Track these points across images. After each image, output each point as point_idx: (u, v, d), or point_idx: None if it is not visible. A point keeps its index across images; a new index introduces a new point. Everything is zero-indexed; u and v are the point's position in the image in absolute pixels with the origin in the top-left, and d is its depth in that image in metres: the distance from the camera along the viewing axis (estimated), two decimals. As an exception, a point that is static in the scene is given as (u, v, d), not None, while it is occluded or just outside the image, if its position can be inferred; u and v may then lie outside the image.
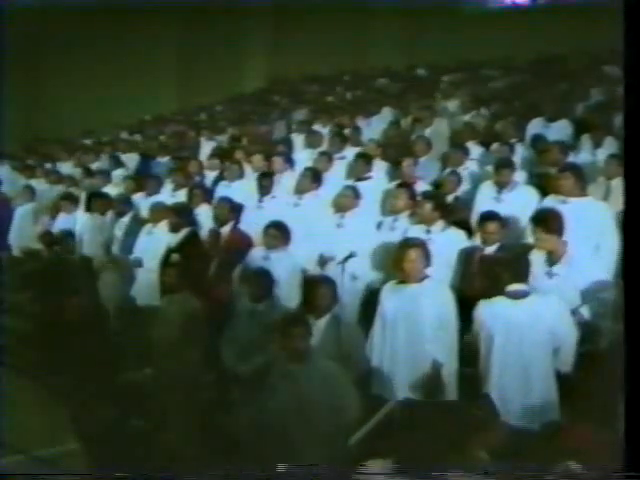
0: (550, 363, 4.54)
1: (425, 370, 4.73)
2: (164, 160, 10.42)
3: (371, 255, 6.15)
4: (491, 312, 4.59)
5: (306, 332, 4.35)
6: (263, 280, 5.41)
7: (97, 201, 8.28)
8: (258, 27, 19.76)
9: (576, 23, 13.55)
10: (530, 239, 5.43)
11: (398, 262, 4.91)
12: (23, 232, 9.41)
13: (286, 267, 5.88)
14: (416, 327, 4.78)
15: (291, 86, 17.30)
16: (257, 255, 6.20)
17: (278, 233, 6.09)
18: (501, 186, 6.50)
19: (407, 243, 5.09)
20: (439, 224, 5.96)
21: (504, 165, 6.66)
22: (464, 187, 7.19)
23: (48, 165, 12.20)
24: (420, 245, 5.00)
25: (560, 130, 8.09)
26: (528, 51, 13.80)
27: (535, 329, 4.50)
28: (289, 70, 18.22)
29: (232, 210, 6.91)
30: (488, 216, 5.72)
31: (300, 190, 7.07)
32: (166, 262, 6.77)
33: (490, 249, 5.61)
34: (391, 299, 4.92)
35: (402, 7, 17.05)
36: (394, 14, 17.66)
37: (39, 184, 10.64)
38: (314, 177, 7.10)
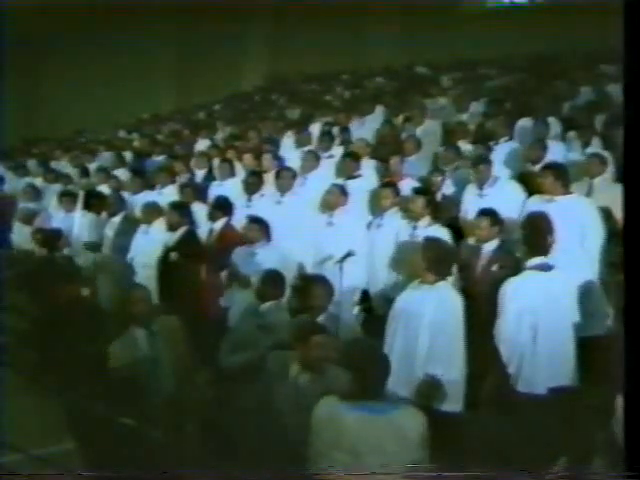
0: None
1: (415, 375, 4.68)
2: (159, 159, 10.44)
3: (391, 256, 6.16)
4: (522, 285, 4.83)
5: (329, 340, 4.21)
6: (275, 281, 5.38)
7: (92, 200, 8.30)
8: (257, 26, 19.76)
9: (575, 22, 13.54)
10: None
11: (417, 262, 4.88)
12: (21, 230, 9.39)
13: (274, 261, 5.90)
14: (413, 329, 4.73)
15: (289, 85, 17.28)
16: (244, 252, 6.25)
17: (257, 227, 6.27)
18: (481, 182, 6.57)
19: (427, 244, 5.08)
20: (426, 220, 5.99)
21: (480, 161, 6.73)
22: (453, 187, 7.22)
23: (47, 164, 12.20)
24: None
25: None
26: (527, 49, 13.81)
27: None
28: (288, 69, 18.20)
29: (220, 207, 6.95)
30: (481, 213, 5.76)
31: (280, 189, 7.10)
32: (165, 261, 6.80)
33: (488, 246, 5.63)
34: (403, 298, 4.91)
35: (401, 6, 17.04)
36: (393, 13, 17.65)
37: (36, 183, 10.63)
38: (292, 176, 7.19)
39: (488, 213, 5.69)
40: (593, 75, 10.51)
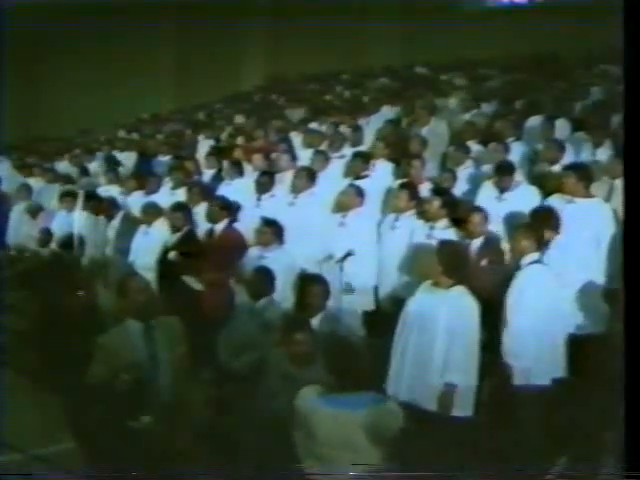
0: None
1: (431, 382, 4.63)
2: (163, 159, 10.43)
3: (403, 258, 6.11)
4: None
5: (309, 338, 4.32)
6: (263, 278, 5.42)
7: (91, 201, 8.30)
8: (257, 26, 19.74)
9: (575, 21, 13.53)
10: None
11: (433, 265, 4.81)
12: (20, 230, 9.38)
13: (283, 265, 5.88)
14: (428, 335, 4.65)
15: (290, 85, 17.28)
16: (253, 254, 6.21)
17: (270, 230, 6.19)
18: (502, 190, 6.47)
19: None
20: (443, 222, 5.96)
21: (504, 171, 6.58)
22: (464, 187, 7.18)
23: (47, 164, 12.20)
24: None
25: (558, 129, 8.09)
26: (527, 49, 13.81)
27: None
28: (288, 69, 18.20)
29: (224, 208, 6.90)
30: (473, 209, 5.80)
31: (295, 189, 7.06)
32: (164, 261, 6.80)
33: (476, 242, 5.64)
34: (416, 301, 4.82)
35: (401, 5, 17.04)
36: (393, 12, 17.64)
37: (37, 182, 10.63)
38: (309, 176, 7.09)
39: (478, 210, 5.79)
40: (602, 75, 10.48)
